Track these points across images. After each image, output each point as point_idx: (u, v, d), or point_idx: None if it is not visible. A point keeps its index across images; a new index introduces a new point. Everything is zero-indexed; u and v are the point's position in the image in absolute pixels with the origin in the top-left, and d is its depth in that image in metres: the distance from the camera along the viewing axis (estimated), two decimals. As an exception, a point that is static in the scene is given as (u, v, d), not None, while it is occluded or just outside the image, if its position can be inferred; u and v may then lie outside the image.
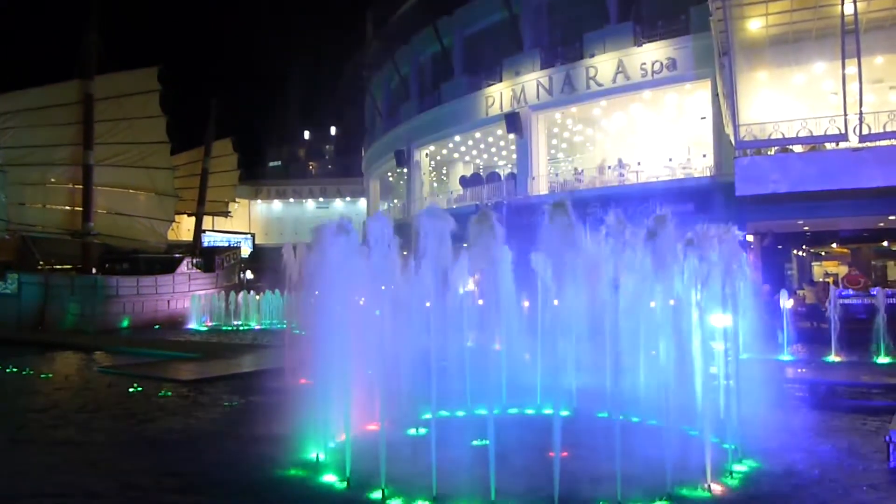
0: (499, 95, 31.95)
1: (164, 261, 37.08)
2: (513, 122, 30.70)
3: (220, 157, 44.02)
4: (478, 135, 35.52)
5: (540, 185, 30.77)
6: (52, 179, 33.39)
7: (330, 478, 7.34)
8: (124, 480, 7.57)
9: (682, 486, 6.85)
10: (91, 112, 32.52)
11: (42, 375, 16.29)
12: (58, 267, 34.39)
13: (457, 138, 36.47)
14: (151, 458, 8.57)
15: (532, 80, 30.60)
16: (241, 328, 31.73)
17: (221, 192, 45.77)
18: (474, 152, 39.44)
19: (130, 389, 13.61)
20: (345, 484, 7.10)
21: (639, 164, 29.12)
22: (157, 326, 32.41)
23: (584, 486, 6.69)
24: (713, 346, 8.17)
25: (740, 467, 7.58)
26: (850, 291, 23.27)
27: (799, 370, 14.21)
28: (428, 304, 8.40)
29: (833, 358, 15.90)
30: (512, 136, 31.77)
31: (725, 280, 7.97)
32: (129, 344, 23.80)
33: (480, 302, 11.89)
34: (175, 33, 71.39)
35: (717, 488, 6.92)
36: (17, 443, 9.64)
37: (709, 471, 7.04)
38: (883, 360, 15.54)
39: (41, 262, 33.10)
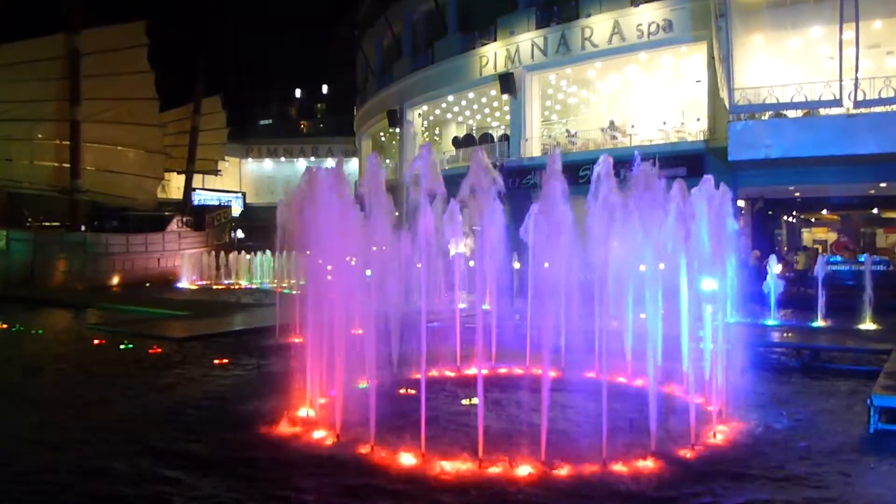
0: (493, 55, 31.52)
1: (153, 219, 36.90)
2: (507, 82, 30.36)
3: (208, 114, 43.43)
4: (471, 95, 35.14)
5: (533, 147, 30.60)
6: (40, 135, 32.93)
7: (319, 433, 7.41)
8: (102, 437, 7.63)
9: (667, 445, 6.95)
10: (77, 67, 31.89)
11: (33, 332, 16.31)
12: (46, 224, 34.17)
13: (450, 98, 36.09)
14: (137, 415, 8.61)
15: (527, 40, 30.17)
16: (231, 286, 31.74)
17: (210, 151, 45.25)
18: (468, 113, 39.08)
19: (121, 346, 13.63)
20: (333, 439, 7.17)
21: (632, 126, 28.97)
22: (147, 284, 32.36)
23: (570, 446, 6.79)
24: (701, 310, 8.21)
25: (724, 428, 7.68)
26: (839, 258, 23.47)
27: (785, 334, 14.37)
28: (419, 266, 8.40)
29: (820, 323, 16.08)
30: (506, 96, 31.47)
31: (714, 241, 7.98)
32: (119, 301, 23.78)
33: (472, 263, 11.91)
34: (163, -14, 69.75)
35: (700, 448, 7.02)
36: None
37: (693, 431, 7.15)
38: (869, 325, 15.71)
39: (29, 219, 32.85)
